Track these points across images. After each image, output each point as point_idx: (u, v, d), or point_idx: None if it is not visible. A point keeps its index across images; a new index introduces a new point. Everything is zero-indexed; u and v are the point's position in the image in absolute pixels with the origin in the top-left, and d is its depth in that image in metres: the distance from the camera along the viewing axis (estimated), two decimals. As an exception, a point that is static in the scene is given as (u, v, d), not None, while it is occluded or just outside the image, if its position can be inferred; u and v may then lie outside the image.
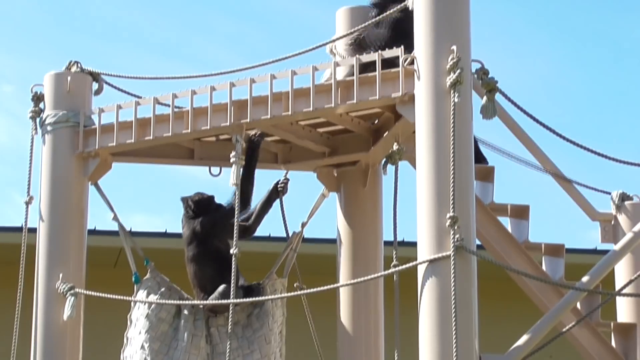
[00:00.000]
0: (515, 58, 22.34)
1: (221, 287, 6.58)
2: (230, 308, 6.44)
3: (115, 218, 6.94)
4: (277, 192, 6.92)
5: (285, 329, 6.84)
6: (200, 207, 6.81)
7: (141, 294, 6.71)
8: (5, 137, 23.84)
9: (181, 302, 6.68)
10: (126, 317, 6.76)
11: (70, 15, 23.37)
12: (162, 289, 6.71)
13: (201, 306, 6.67)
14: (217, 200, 6.85)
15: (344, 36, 6.48)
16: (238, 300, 6.46)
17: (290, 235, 7.01)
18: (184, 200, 6.86)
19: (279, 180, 6.98)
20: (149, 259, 6.80)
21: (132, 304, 6.74)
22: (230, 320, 6.42)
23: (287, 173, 7.05)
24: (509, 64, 21.03)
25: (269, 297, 6.69)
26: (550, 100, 22.78)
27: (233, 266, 6.34)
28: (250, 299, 6.63)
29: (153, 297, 6.65)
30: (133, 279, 6.78)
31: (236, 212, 6.41)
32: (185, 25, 23.32)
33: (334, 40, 6.45)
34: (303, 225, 7.06)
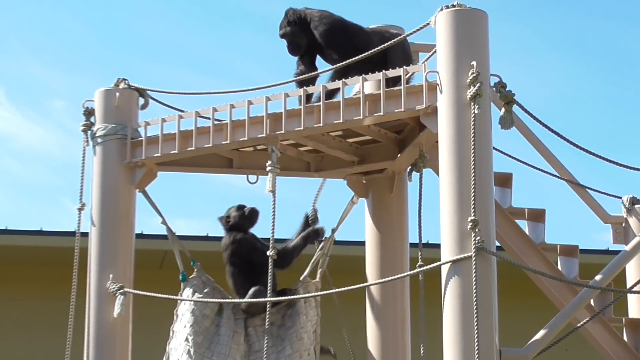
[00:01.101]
0: (531, 72, 22.28)
1: (252, 290, 6.59)
2: (267, 307, 6.44)
3: (164, 222, 6.96)
4: (313, 231, 6.90)
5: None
6: (241, 222, 6.88)
7: (187, 292, 6.72)
8: (57, 148, 23.94)
9: (223, 300, 6.68)
10: (169, 315, 6.77)
11: (116, 35, 23.48)
12: (207, 289, 6.72)
13: (241, 306, 6.68)
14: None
15: (370, 54, 6.46)
16: (272, 299, 6.46)
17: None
18: (224, 217, 6.95)
19: (309, 215, 6.98)
20: (196, 260, 6.82)
21: (179, 300, 6.75)
22: (267, 318, 6.42)
23: (314, 205, 7.04)
24: (525, 78, 20.96)
25: (302, 295, 6.68)
26: (564, 111, 22.69)
27: (270, 267, 6.34)
28: (283, 298, 6.63)
29: (198, 295, 6.67)
30: (180, 277, 6.79)
31: (272, 224, 6.39)
32: (224, 44, 23.41)
33: (361, 58, 6.43)
34: (334, 230, 7.04)
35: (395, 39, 6.42)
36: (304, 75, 6.60)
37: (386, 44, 6.37)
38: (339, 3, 22.84)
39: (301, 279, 6.82)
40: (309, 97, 6.35)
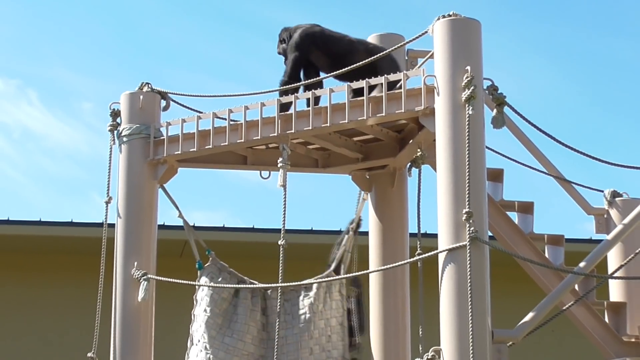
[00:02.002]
0: (520, 76, 22.26)
1: None
2: (278, 291, 6.45)
3: (181, 216, 6.97)
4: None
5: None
6: None
7: (204, 279, 6.72)
8: (85, 146, 23.99)
9: (238, 286, 6.68)
10: (188, 300, 6.78)
11: (140, 42, 23.50)
12: (222, 274, 6.73)
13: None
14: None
15: (374, 59, 6.45)
16: (287, 284, 6.46)
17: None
18: None
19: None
20: (210, 249, 6.83)
21: (197, 286, 6.76)
22: (279, 300, 6.44)
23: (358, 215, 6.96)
24: (513, 81, 20.93)
25: (313, 280, 6.68)
26: (551, 111, 22.67)
27: (280, 256, 6.34)
28: (298, 283, 6.61)
29: (215, 281, 6.67)
30: (197, 266, 6.80)
31: (283, 215, 6.38)
32: (239, 50, 23.41)
33: (365, 63, 6.43)
34: (352, 229, 6.95)
35: (388, 50, 6.40)
36: (302, 83, 6.60)
37: (379, 54, 6.38)
38: (343, 15, 22.84)
39: (325, 273, 6.78)
40: (316, 100, 6.35)
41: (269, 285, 6.61)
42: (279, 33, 6.88)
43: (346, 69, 6.38)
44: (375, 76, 6.18)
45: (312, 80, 6.60)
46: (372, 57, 6.36)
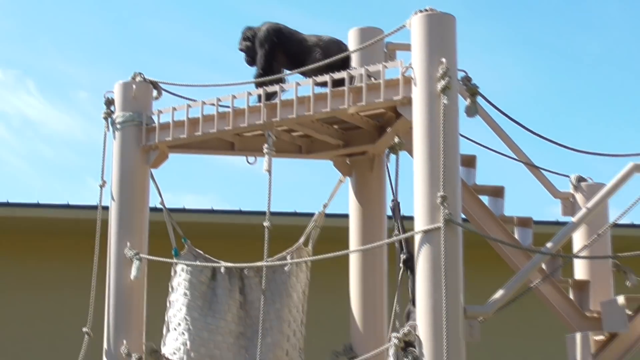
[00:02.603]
0: (492, 68, 22.28)
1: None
2: (264, 270, 6.46)
3: (162, 203, 6.97)
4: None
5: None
6: None
7: (180, 265, 6.71)
8: (81, 133, 23.91)
9: (215, 264, 6.68)
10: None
11: (132, 34, 23.40)
12: (199, 259, 6.73)
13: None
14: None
15: (356, 51, 6.45)
16: (269, 263, 6.47)
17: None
18: None
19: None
20: (190, 236, 6.83)
21: (172, 272, 6.74)
22: (263, 279, 6.45)
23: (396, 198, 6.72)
24: (486, 72, 20.96)
25: (297, 260, 6.69)
26: (521, 101, 22.72)
27: (265, 237, 6.33)
28: (278, 263, 6.63)
29: (192, 267, 6.65)
30: (173, 252, 6.78)
31: (268, 198, 6.38)
32: (227, 43, 23.34)
33: (346, 55, 6.42)
34: (325, 206, 7.05)
35: (363, 44, 6.41)
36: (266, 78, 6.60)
37: (333, 53, 6.45)
38: (324, 8, 22.79)
39: (296, 246, 6.83)
40: (268, 96, 6.37)
41: (247, 264, 6.59)
42: (242, 31, 6.86)
43: (309, 67, 6.41)
44: (332, 70, 6.21)
45: (277, 75, 6.62)
46: (336, 57, 6.34)
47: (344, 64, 6.47)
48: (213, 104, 6.61)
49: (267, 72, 6.65)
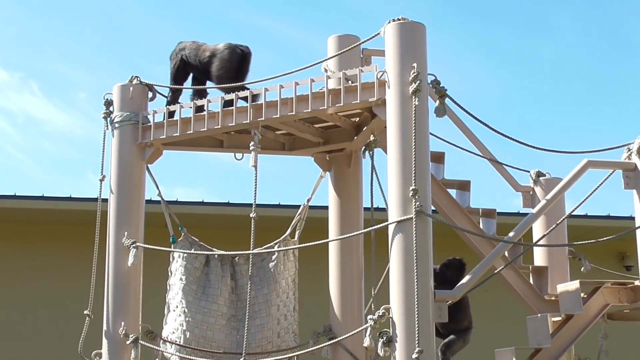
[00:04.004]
0: (459, 71, 22.31)
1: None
2: (250, 257, 6.44)
3: (160, 194, 6.93)
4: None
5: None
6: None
7: (177, 252, 6.69)
8: (81, 131, 23.81)
9: (208, 252, 6.67)
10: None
11: (129, 40, 23.29)
12: (194, 247, 6.70)
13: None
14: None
15: (334, 56, 6.43)
16: (256, 251, 6.44)
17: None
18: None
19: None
20: (183, 226, 6.79)
21: (171, 258, 6.73)
22: (250, 266, 6.44)
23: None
24: (455, 76, 20.99)
25: (282, 248, 6.68)
26: (485, 102, 22.77)
27: (252, 227, 6.31)
28: (267, 250, 6.61)
29: (188, 254, 6.64)
30: (171, 240, 6.76)
31: (255, 192, 6.35)
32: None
33: (324, 60, 6.41)
34: (308, 200, 7.01)
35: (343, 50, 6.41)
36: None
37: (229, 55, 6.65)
38: (304, 17, 22.74)
39: (282, 236, 6.81)
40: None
41: (238, 252, 6.58)
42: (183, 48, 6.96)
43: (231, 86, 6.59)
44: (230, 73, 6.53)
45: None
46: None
47: (241, 64, 6.58)
48: (203, 105, 6.58)
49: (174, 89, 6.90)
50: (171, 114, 6.66)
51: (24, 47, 22.82)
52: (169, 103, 6.87)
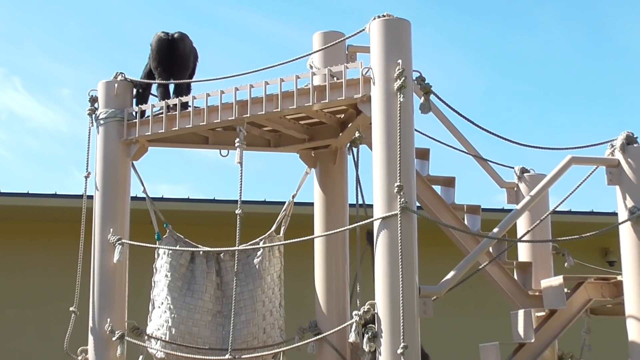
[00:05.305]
0: (444, 68, 22.34)
1: None
2: (236, 254, 6.43)
3: (144, 191, 6.90)
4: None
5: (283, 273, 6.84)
6: None
7: (163, 249, 6.67)
8: (65, 127, 23.72)
9: (193, 249, 6.66)
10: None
11: (112, 36, 23.21)
12: (179, 243, 6.69)
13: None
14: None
15: (318, 51, 6.42)
16: (242, 247, 6.43)
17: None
18: None
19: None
20: (169, 222, 6.77)
21: (156, 255, 6.71)
22: (236, 262, 6.43)
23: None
24: (440, 72, 21.03)
25: (267, 244, 6.67)
26: (469, 98, 22.82)
27: (237, 223, 6.29)
28: (252, 247, 6.61)
29: (173, 250, 6.63)
30: (156, 237, 6.74)
31: (240, 188, 6.34)
32: (200, 44, 23.15)
33: (309, 54, 6.40)
34: (293, 196, 7.01)
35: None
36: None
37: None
38: (290, 13, 22.72)
39: (268, 233, 6.81)
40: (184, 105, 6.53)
41: (223, 249, 6.57)
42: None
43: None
44: (178, 62, 6.62)
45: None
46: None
47: (171, 51, 6.62)
48: (188, 101, 6.55)
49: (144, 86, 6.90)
50: (142, 113, 6.66)
51: (7, 42, 22.72)
52: (139, 101, 6.83)
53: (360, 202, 6.76)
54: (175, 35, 6.76)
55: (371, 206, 5.76)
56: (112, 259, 6.57)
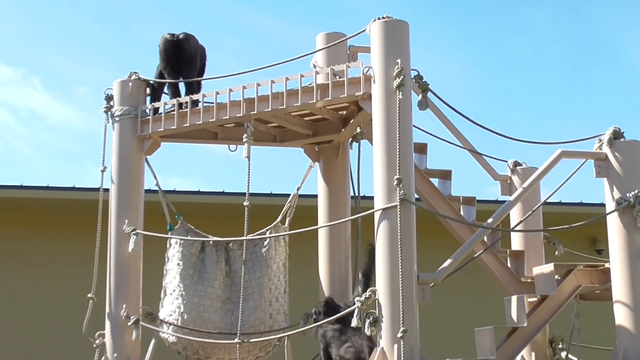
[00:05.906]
0: (440, 66, 22.31)
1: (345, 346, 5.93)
2: (244, 243, 6.43)
3: (157, 184, 6.91)
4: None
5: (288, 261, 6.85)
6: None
7: (174, 239, 6.67)
8: (81, 124, 23.74)
9: (204, 239, 6.66)
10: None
11: (127, 36, 23.20)
12: (190, 234, 6.69)
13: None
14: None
15: (321, 49, 6.41)
16: (249, 237, 6.43)
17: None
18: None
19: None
20: (180, 214, 6.78)
21: (168, 245, 6.72)
22: (244, 251, 6.43)
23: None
24: (437, 71, 20.99)
25: (274, 234, 6.67)
26: (464, 95, 22.79)
27: (245, 215, 6.29)
28: (259, 237, 6.60)
29: (185, 240, 6.63)
30: (168, 227, 6.75)
31: (248, 181, 6.33)
32: (208, 44, 23.14)
33: (312, 53, 6.40)
34: (298, 189, 7.02)
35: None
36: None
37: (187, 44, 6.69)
38: (295, 14, 22.69)
39: (274, 223, 6.81)
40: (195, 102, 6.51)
41: (232, 238, 6.57)
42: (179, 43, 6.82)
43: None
44: (184, 62, 6.60)
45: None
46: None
47: (177, 53, 6.61)
48: (199, 99, 6.55)
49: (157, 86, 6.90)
50: (155, 110, 6.64)
51: (26, 43, 22.74)
52: (153, 99, 6.82)
53: (360, 194, 6.75)
54: (181, 37, 6.74)
55: (371, 198, 5.74)
56: (128, 249, 6.58)
